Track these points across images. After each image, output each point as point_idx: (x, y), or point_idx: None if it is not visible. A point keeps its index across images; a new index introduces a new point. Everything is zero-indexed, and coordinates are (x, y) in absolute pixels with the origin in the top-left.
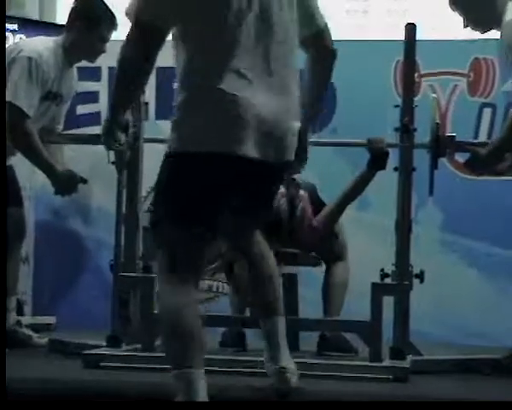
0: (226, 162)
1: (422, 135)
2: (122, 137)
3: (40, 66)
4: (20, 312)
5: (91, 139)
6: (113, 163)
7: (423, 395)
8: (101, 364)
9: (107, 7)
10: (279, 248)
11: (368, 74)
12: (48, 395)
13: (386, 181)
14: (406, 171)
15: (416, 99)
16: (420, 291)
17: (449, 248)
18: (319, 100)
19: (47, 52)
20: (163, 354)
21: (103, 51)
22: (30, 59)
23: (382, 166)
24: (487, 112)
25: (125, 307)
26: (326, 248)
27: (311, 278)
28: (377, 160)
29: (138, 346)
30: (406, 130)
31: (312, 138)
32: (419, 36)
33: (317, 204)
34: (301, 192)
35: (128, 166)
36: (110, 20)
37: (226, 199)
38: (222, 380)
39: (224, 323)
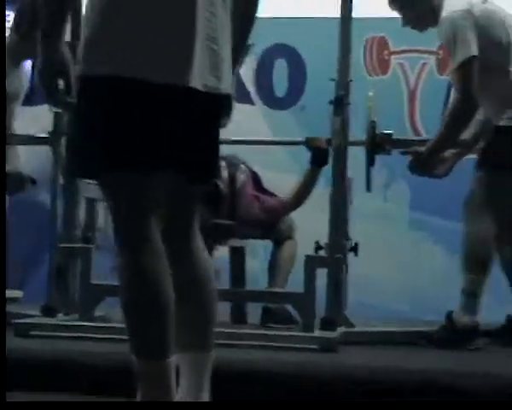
0: (174, 94)
1: (385, 113)
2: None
3: None
4: None
5: (43, 141)
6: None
7: (347, 365)
8: (32, 333)
9: None
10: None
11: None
12: None
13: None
14: (339, 144)
15: (385, 77)
16: (387, 266)
17: (417, 226)
18: (242, 46)
19: None
20: (98, 325)
21: None
22: None
23: (324, 163)
24: None
25: (63, 278)
26: (273, 229)
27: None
28: (317, 157)
29: (76, 316)
30: (340, 103)
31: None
32: (389, 14)
33: (259, 185)
34: (243, 167)
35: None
36: None
37: (170, 136)
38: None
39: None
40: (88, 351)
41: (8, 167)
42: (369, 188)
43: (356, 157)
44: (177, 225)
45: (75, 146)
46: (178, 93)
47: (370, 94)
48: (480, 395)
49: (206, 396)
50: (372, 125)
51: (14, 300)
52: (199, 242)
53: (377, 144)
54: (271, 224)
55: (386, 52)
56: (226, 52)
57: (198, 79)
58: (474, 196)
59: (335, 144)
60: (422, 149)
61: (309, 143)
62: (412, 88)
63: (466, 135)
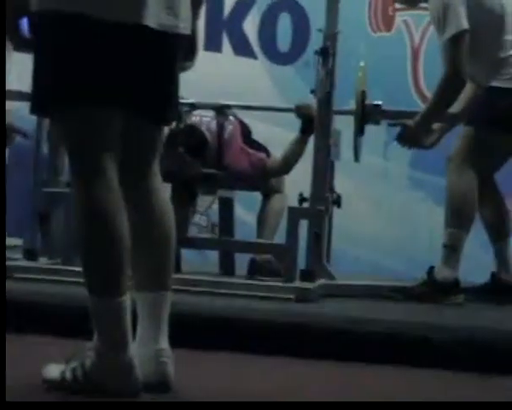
0: (127, 31)
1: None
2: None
3: None
4: None
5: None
6: None
7: (317, 314)
8: (15, 275)
9: None
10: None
11: (342, 6)
12: None
13: None
14: (324, 95)
15: (389, 34)
16: (387, 225)
17: (417, 185)
18: None
19: None
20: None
21: None
22: None
23: (312, 131)
24: None
25: (46, 223)
26: (262, 182)
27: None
28: (306, 125)
29: (58, 261)
30: (326, 54)
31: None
32: None
33: (248, 137)
34: (232, 118)
35: None
36: None
37: (124, 73)
38: None
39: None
40: (67, 294)
41: None
42: (357, 158)
43: None
44: (133, 164)
45: (33, 83)
46: (131, 31)
47: (362, 64)
48: (449, 348)
49: (163, 336)
50: (362, 96)
51: (13, 247)
52: (157, 183)
53: (366, 114)
54: (258, 178)
55: (390, 8)
56: None
57: (152, 16)
58: (459, 152)
59: (319, 95)
60: (410, 121)
61: (298, 110)
62: (416, 46)
63: (454, 108)
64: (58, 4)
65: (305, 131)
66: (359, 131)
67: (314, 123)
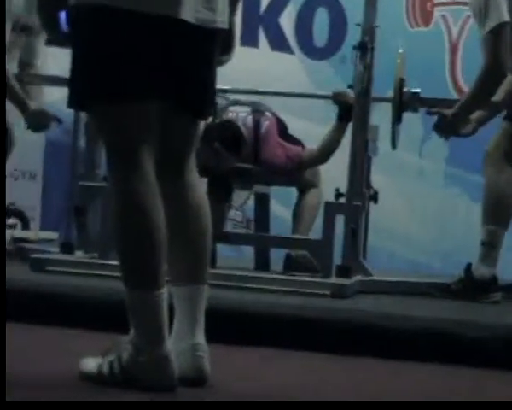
0: (165, 25)
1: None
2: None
3: None
4: (26, 227)
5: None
6: None
7: (353, 310)
8: (49, 268)
9: None
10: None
11: (380, 1)
12: None
13: None
14: (362, 90)
15: (427, 29)
16: (423, 222)
17: (454, 182)
18: None
19: None
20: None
21: None
22: None
23: (350, 118)
24: None
25: (83, 217)
26: (298, 177)
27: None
28: (344, 113)
29: (95, 255)
30: (364, 49)
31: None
32: None
33: (284, 132)
34: (268, 114)
35: None
36: None
37: (161, 67)
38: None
39: None
40: (103, 287)
41: (33, 105)
42: (394, 145)
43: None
44: (170, 158)
45: (70, 77)
46: (168, 25)
47: (400, 51)
48: (486, 345)
49: (200, 330)
50: (400, 83)
51: (49, 241)
52: (193, 177)
53: (404, 102)
54: (295, 172)
55: (429, 3)
56: None
57: (189, 11)
58: (497, 147)
59: (357, 90)
60: (448, 111)
61: (336, 97)
62: (454, 41)
63: (495, 97)
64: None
65: (343, 118)
66: (397, 119)
67: (352, 110)
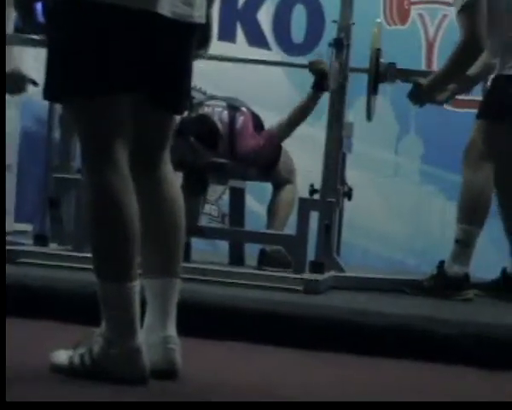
0: (142, 19)
1: (402, 64)
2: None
3: None
4: None
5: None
6: None
7: (323, 306)
8: (22, 260)
9: None
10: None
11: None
12: None
13: None
14: (338, 87)
15: (404, 27)
16: (398, 220)
17: (429, 180)
18: None
19: None
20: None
21: None
22: None
23: (324, 88)
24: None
25: (57, 209)
26: (273, 173)
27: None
28: (319, 81)
29: (69, 247)
30: (339, 46)
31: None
32: None
33: (259, 128)
34: (244, 109)
35: None
36: None
37: (137, 61)
38: None
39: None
40: (76, 279)
41: (9, 68)
42: (369, 117)
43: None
44: (145, 151)
45: (46, 69)
46: (145, 19)
47: (378, 20)
48: (456, 342)
49: (171, 323)
50: (376, 53)
51: (23, 233)
52: (168, 171)
53: (380, 73)
54: (270, 160)
55: (406, 2)
56: None
57: (166, 5)
58: (473, 146)
59: (332, 87)
60: (423, 80)
61: (312, 65)
62: (431, 40)
63: (471, 70)
64: None
65: (318, 86)
66: (373, 90)
67: (327, 79)
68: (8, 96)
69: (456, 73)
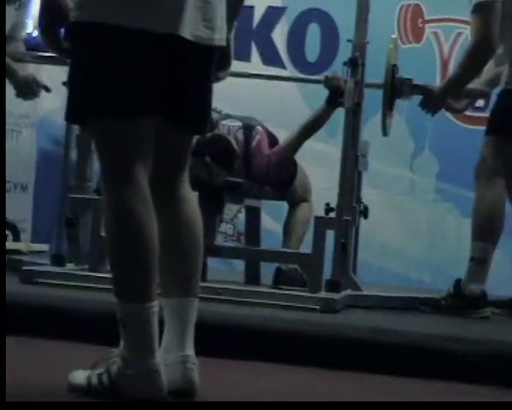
0: (163, 42)
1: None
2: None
3: None
4: (16, 238)
5: (54, 60)
6: None
7: (342, 325)
8: (38, 280)
9: None
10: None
11: (372, 17)
12: None
13: None
14: (353, 105)
15: (418, 45)
16: (413, 237)
17: (444, 197)
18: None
19: None
20: (106, 275)
21: None
22: None
23: (337, 103)
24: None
25: (74, 229)
26: (289, 191)
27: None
28: (334, 96)
29: (86, 267)
30: (354, 64)
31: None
32: None
33: (275, 144)
34: (259, 128)
35: None
36: None
37: (159, 83)
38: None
39: None
40: (93, 300)
41: (22, 70)
42: (385, 132)
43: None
44: (165, 172)
45: (68, 91)
46: (166, 41)
47: (393, 36)
48: (474, 361)
49: (189, 342)
50: (392, 69)
51: (40, 253)
52: (187, 191)
53: (396, 88)
54: (286, 178)
55: (420, 20)
56: (220, 4)
57: (187, 28)
58: (484, 162)
59: (348, 105)
60: (435, 87)
61: (327, 81)
62: (446, 58)
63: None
64: (99, 16)
65: (332, 102)
66: (388, 106)
67: (342, 95)
68: (24, 118)
69: (468, 76)
